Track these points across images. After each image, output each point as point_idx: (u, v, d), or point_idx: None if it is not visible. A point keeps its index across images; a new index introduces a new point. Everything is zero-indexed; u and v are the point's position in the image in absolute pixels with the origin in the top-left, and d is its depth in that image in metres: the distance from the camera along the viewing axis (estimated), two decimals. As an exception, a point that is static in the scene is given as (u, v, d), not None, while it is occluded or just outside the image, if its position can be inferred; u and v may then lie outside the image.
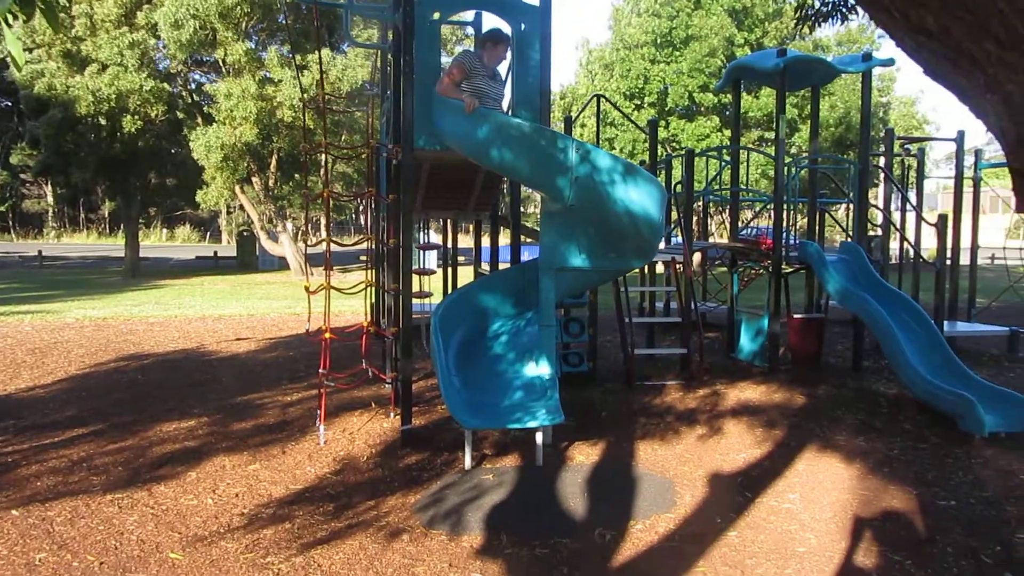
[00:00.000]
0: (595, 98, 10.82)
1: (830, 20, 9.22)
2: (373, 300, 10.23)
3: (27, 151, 26.82)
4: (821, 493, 5.66)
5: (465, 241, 36.38)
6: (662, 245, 10.74)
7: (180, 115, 25.49)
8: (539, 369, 6.56)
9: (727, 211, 13.82)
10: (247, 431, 7.10)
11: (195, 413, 7.75)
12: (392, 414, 7.53)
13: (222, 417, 7.59)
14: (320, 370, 6.90)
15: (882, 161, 11.33)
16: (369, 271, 8.31)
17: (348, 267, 29.18)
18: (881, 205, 10.99)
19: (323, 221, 6.93)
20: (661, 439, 6.98)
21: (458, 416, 5.94)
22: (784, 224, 9.94)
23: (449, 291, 10.43)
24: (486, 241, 10.68)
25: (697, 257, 14.68)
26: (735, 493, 5.64)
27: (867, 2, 1.67)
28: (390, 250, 7.40)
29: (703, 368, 9.42)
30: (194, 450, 6.56)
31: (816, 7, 9.36)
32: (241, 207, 35.35)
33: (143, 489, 5.66)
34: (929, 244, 13.82)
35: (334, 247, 7.06)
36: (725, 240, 12.15)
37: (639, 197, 5.96)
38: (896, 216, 13.06)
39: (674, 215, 11.06)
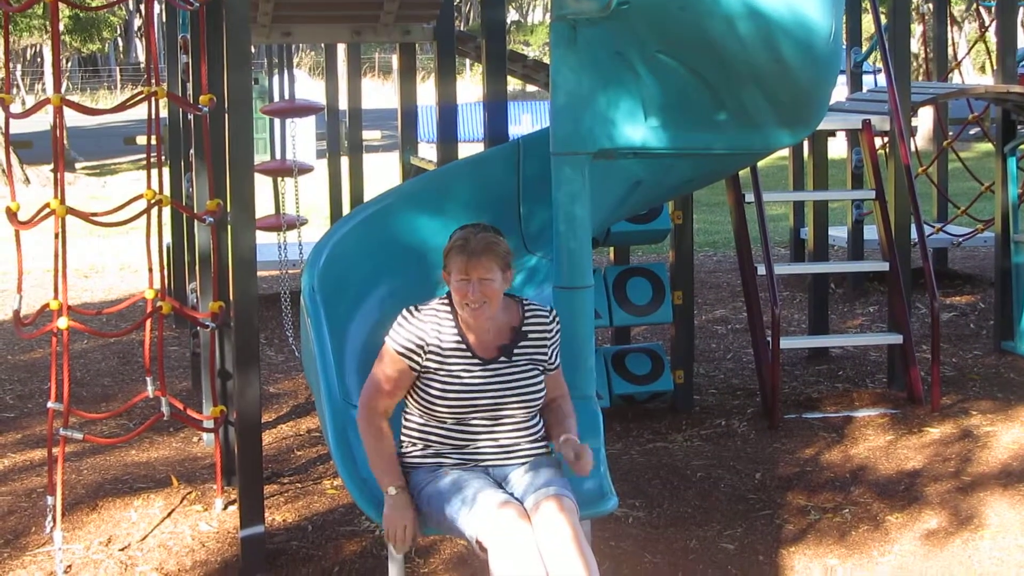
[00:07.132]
0: None
1: None
2: (169, 240, 6.59)
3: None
4: None
5: (378, 95, 23.68)
6: (839, 94, 7.04)
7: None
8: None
9: (990, 14, 9.45)
10: None
11: None
12: (220, 501, 4.32)
13: None
14: (50, 404, 3.90)
15: None
16: (156, 172, 4.86)
17: (110, 163, 18.36)
18: None
19: (48, 56, 3.40)
20: (842, 542, 4.11)
21: (371, 510, 3.38)
22: None
23: (344, 212, 7.66)
24: (426, 96, 7.89)
25: (925, 120, 11.54)
26: None
27: None
28: (202, 121, 4.26)
29: (939, 379, 5.80)
30: None
31: None
32: None
33: None
34: None
35: (76, 117, 4.92)
36: (989, 81, 8.71)
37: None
38: None
39: (867, 27, 7.77)
